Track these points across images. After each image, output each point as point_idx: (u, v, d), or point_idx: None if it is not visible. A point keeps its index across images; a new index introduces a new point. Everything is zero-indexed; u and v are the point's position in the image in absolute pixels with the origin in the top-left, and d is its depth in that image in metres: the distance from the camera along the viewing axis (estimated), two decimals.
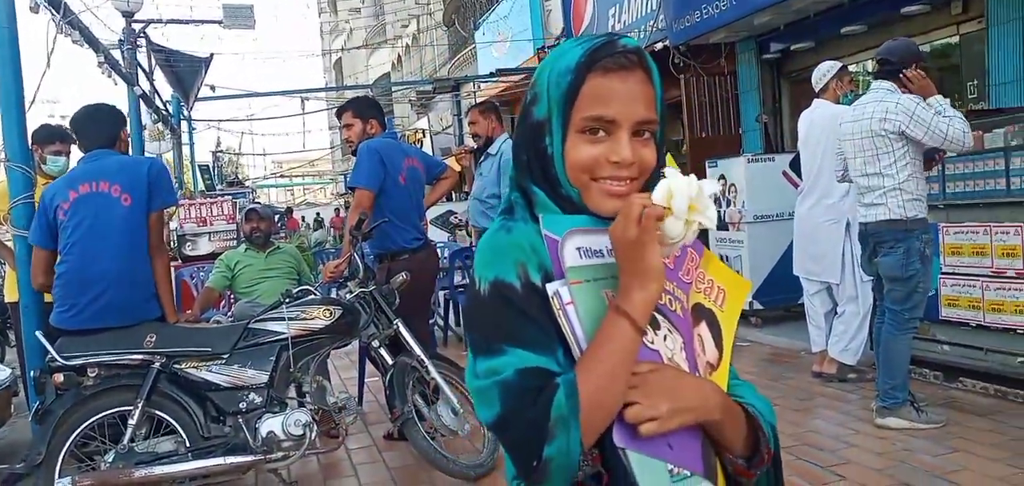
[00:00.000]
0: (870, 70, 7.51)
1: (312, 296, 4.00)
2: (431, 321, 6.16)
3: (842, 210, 5.09)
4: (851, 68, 5.67)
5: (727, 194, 7.01)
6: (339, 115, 4.93)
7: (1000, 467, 3.61)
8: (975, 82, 6.46)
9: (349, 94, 21.30)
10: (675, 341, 1.08)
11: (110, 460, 3.43)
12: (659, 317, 1.06)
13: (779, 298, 6.79)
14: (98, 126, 3.80)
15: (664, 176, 1.02)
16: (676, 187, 0.99)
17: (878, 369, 4.28)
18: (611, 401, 1.00)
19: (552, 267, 1.05)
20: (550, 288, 1.03)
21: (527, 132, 1.12)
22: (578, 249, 1.05)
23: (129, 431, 3.45)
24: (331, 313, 3.78)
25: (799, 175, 5.71)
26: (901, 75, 4.11)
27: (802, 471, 3.78)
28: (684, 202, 0.99)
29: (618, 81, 1.06)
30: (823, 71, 5.21)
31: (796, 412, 4.69)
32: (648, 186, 1.10)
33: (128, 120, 3.92)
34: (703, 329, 1.13)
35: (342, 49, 39.32)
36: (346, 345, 4.50)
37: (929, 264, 4.15)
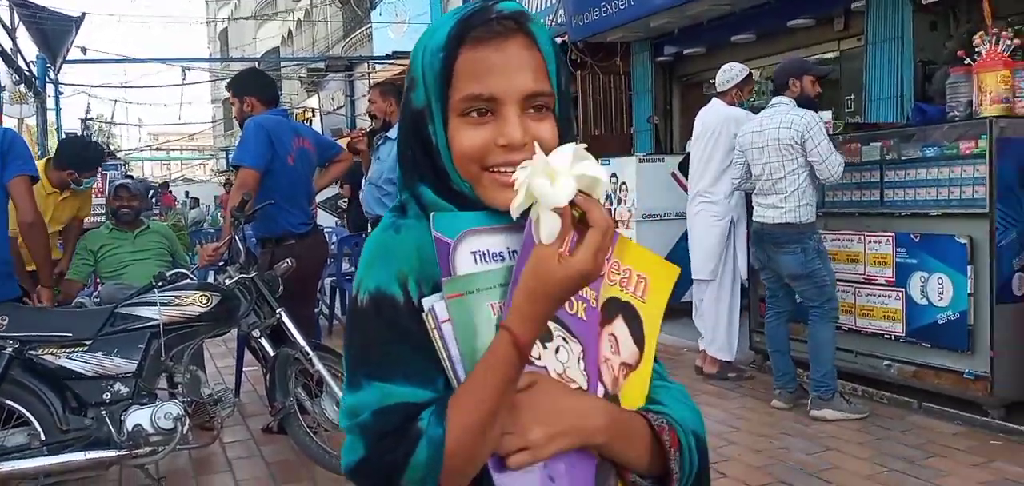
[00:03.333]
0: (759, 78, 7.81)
1: (187, 280, 3.75)
2: (316, 310, 5.95)
3: (728, 207, 5.24)
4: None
5: (618, 192, 7.13)
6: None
7: (867, 466, 3.80)
8: (853, 96, 6.81)
9: (235, 67, 20.45)
10: (570, 352, 0.94)
11: None
12: (552, 326, 0.93)
13: None
14: None
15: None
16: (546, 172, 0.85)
17: (811, 363, 4.47)
18: (487, 448, 0.88)
19: (442, 277, 0.92)
20: (426, 303, 0.90)
21: (408, 122, 1.00)
22: (474, 253, 0.91)
23: None
24: (208, 299, 3.55)
25: (688, 177, 5.85)
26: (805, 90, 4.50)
27: None
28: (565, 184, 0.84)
29: (493, 51, 0.93)
30: (732, 74, 5.30)
31: None
32: None
33: None
34: (619, 326, 0.99)
35: (228, 18, 37.69)
36: (224, 333, 4.26)
37: (827, 258, 4.47)
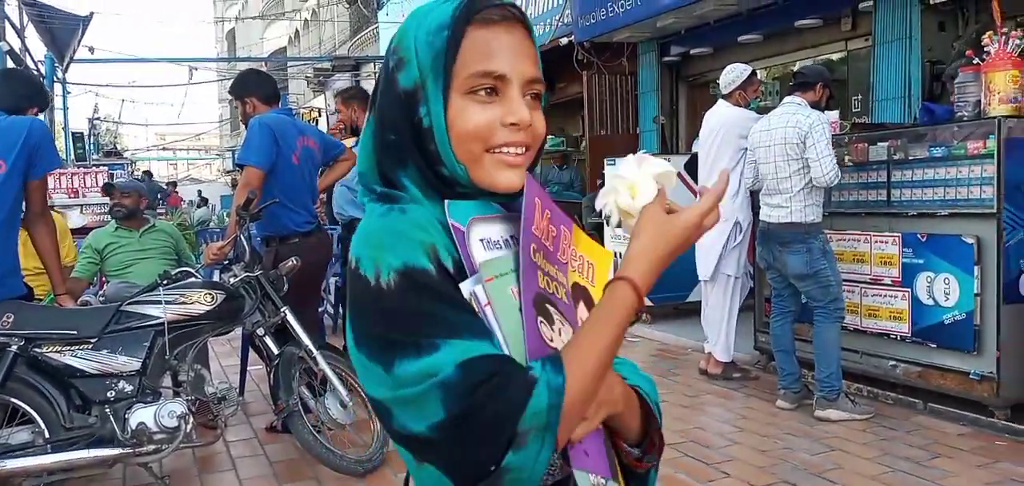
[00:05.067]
0: (765, 78, 7.79)
1: (192, 279, 3.76)
2: (321, 308, 5.95)
3: (733, 209, 5.22)
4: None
5: None
6: None
7: (872, 466, 3.78)
8: (860, 96, 6.78)
9: (241, 66, 20.49)
10: (569, 332, 0.95)
11: None
12: (552, 309, 0.93)
13: (669, 295, 6.93)
14: (5, 90, 3.49)
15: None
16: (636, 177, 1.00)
17: (816, 363, 4.47)
18: (595, 395, 0.89)
19: (461, 260, 0.91)
20: (465, 289, 0.89)
21: (393, 105, 0.95)
22: (482, 241, 0.92)
23: None
24: (213, 298, 3.56)
25: (694, 177, 5.83)
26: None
27: (689, 467, 3.84)
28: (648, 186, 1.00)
29: (504, 33, 0.94)
30: (735, 75, 5.28)
31: (684, 409, 4.78)
32: (537, 160, 1.02)
33: (47, 103, 3.65)
34: (582, 311, 1.01)
35: (236, 18, 37.81)
36: (228, 332, 4.26)
37: (832, 259, 4.48)
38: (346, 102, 5.31)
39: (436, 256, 0.89)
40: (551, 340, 0.90)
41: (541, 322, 0.90)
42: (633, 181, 0.97)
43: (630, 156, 1.00)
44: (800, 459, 3.91)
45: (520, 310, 0.90)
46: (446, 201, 0.92)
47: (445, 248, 0.90)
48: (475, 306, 0.88)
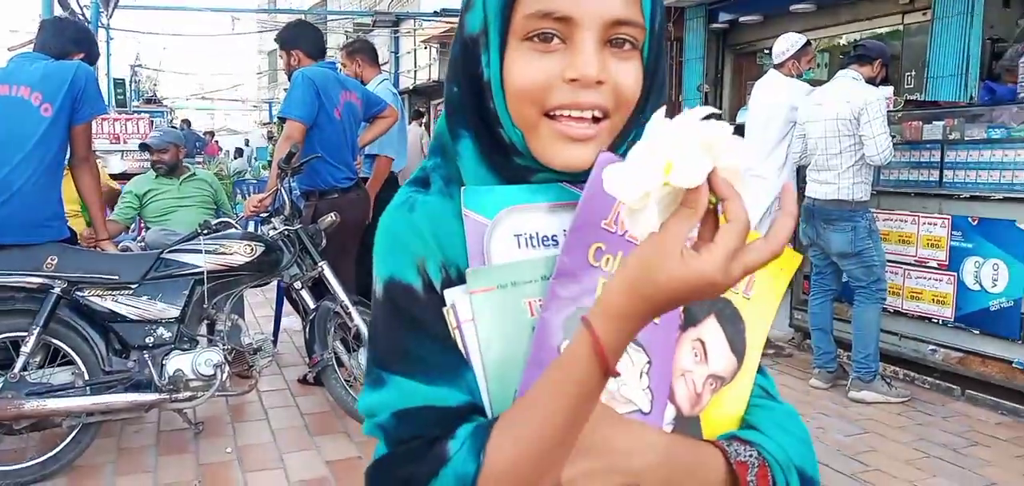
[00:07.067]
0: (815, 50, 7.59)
1: (232, 229, 3.78)
2: None
3: (777, 182, 5.11)
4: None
5: None
6: None
7: (907, 450, 3.72)
8: (913, 73, 6.58)
9: (282, 19, 20.52)
10: (631, 364, 0.75)
11: None
12: None
13: None
14: (53, 35, 3.55)
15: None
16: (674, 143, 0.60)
17: (854, 344, 4.41)
18: (541, 478, 0.69)
19: (468, 261, 0.75)
20: (448, 296, 0.74)
21: (459, 53, 0.79)
22: (518, 237, 0.75)
23: (21, 359, 3.19)
24: (252, 249, 3.58)
25: None
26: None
27: None
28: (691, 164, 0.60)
29: None
30: (788, 44, 5.16)
31: None
32: (631, 134, 0.76)
33: (97, 55, 3.77)
34: (710, 330, 0.80)
35: None
36: (266, 284, 4.30)
37: (878, 238, 4.38)
38: (350, 56, 5.21)
39: (424, 270, 0.76)
40: None
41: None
42: (670, 159, 0.60)
43: (702, 110, 0.62)
44: (833, 440, 3.85)
45: (534, 329, 0.72)
46: (463, 189, 0.76)
47: (438, 259, 0.77)
48: (451, 320, 0.74)
